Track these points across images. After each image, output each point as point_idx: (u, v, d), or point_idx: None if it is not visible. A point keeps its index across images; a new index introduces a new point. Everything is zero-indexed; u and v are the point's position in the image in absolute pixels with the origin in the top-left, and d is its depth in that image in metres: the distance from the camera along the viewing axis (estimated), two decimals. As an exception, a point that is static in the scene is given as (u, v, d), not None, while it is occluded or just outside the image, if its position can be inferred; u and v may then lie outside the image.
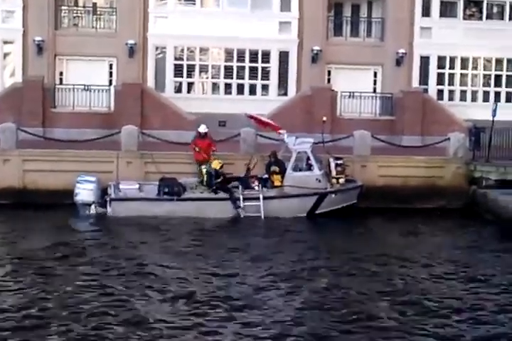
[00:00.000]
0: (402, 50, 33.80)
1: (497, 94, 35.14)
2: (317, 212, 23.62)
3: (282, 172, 23.60)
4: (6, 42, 32.50)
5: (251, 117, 24.98)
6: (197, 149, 24.24)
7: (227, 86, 33.40)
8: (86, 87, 30.94)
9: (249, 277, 15.88)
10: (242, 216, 22.80)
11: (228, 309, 13.36)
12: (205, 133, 24.60)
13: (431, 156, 26.36)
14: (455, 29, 34.45)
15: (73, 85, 31.12)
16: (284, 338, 11.91)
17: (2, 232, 20.53)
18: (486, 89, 35.28)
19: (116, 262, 16.96)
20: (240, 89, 33.37)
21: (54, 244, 18.73)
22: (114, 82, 32.39)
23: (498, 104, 27.33)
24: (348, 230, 22.26)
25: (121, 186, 23.28)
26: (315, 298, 14.24)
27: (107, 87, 31.56)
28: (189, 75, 33.36)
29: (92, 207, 22.73)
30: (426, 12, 34.58)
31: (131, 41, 32.27)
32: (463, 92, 35.21)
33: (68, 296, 13.98)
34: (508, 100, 35.19)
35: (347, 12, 35.16)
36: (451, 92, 35.12)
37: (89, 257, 17.51)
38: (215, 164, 23.15)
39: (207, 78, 33.52)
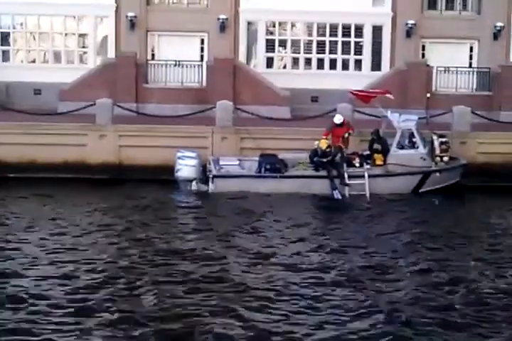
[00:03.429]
0: (499, 24, 32.62)
1: None
2: (421, 190, 23.10)
3: (385, 151, 23.07)
4: (99, 18, 32.57)
5: (354, 94, 24.42)
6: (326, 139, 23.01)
7: (320, 61, 32.78)
8: (178, 63, 30.78)
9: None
10: (338, 197, 22.25)
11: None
12: (342, 123, 23.42)
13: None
14: (555, 1, 33.21)
15: (165, 61, 31.03)
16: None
17: (104, 207, 20.46)
18: None
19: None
20: (333, 64, 32.71)
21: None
22: (205, 58, 32.17)
23: None
24: (457, 209, 21.70)
25: (221, 162, 23.15)
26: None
27: (198, 63, 31.29)
28: (281, 50, 32.92)
29: (194, 183, 22.60)
30: (525, -16, 33.35)
31: (222, 16, 31.96)
32: None
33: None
34: None
35: (443, -15, 34.18)
36: (551, 67, 33.93)
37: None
38: (322, 143, 22.58)
39: (299, 53, 33.01)
